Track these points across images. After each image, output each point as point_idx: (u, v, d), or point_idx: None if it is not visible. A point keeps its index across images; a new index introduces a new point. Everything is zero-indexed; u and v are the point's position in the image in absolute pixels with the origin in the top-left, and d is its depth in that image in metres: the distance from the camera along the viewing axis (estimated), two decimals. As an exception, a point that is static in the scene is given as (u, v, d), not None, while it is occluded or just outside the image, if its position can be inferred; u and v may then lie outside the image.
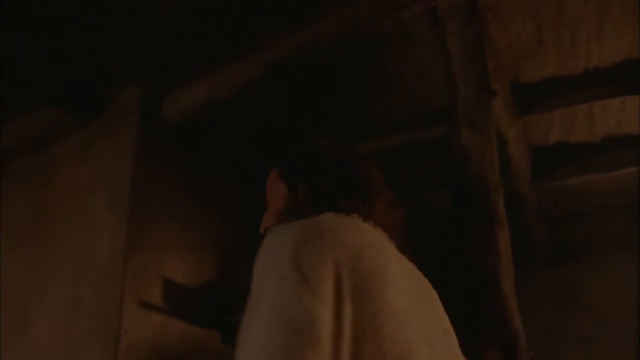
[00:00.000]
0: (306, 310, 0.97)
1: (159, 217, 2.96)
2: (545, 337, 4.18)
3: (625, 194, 4.11)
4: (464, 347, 1.20)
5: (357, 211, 1.27)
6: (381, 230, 1.26)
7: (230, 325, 3.14)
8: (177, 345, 2.93)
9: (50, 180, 3.34)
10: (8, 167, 3.61)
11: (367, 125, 3.43)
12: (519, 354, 1.86)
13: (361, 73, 3.03)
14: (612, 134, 3.66)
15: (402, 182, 3.92)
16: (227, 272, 3.28)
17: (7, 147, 3.50)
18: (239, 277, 3.28)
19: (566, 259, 4.48)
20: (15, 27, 2.68)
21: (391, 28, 2.61)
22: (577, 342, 4.22)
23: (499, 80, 2.86)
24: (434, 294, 1.26)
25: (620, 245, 4.21)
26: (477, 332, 1.84)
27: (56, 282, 3.00)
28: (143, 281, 2.83)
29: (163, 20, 2.67)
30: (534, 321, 2.29)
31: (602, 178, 3.89)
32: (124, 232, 2.80)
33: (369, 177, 1.41)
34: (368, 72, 3.02)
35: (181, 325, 2.96)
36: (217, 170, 3.36)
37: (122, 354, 2.66)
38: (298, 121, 3.36)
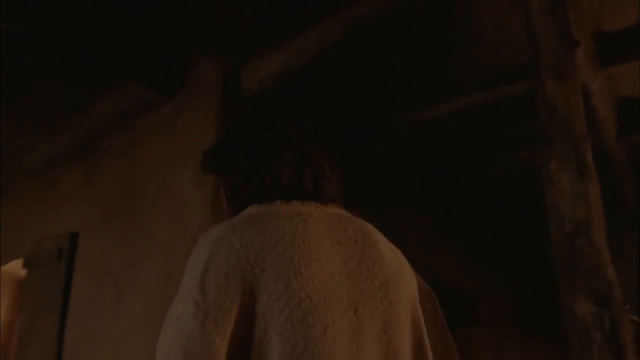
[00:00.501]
0: (196, 331, 1.14)
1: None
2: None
3: None
4: (559, 299, 1.26)
5: (280, 196, 1.34)
6: (312, 204, 1.36)
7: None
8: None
9: (137, 157, 3.47)
10: (96, 146, 3.77)
11: (448, 85, 3.41)
12: (613, 305, 1.84)
13: (439, 32, 3.01)
14: (703, 82, 3.52)
15: (487, 141, 3.91)
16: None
17: (95, 127, 3.65)
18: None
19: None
20: (96, 7, 2.78)
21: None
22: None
23: (580, 30, 2.79)
24: (369, 252, 1.34)
25: None
26: (571, 284, 1.83)
27: (149, 255, 3.13)
28: (232, 250, 2.91)
29: (238, -8, 2.72)
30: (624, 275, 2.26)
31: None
32: (211, 205, 2.89)
33: (278, 151, 1.41)
34: (446, 30, 2.99)
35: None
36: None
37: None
38: (378, 84, 3.37)
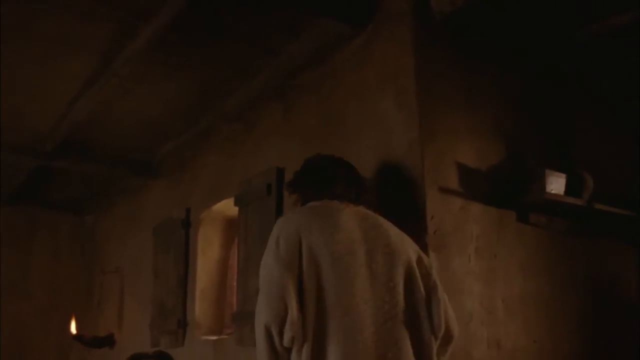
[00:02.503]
0: (276, 276, 2.39)
1: (445, 107, 3.18)
2: None
3: None
4: None
5: (324, 197, 2.71)
6: (342, 203, 2.69)
7: (522, 205, 3.32)
8: (477, 226, 3.17)
9: (334, 90, 3.70)
10: (291, 84, 4.04)
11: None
12: None
13: None
14: None
15: None
16: (512, 155, 3.43)
17: (289, 66, 3.92)
18: (524, 159, 3.42)
19: None
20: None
21: None
22: None
23: None
24: (379, 232, 2.61)
25: None
26: None
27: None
28: (440, 169, 3.08)
29: None
30: None
31: None
32: (417, 125, 3.06)
33: (333, 175, 2.83)
34: None
35: (479, 207, 3.19)
36: (494, 56, 3.48)
37: (430, 237, 2.97)
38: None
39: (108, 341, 6.11)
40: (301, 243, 2.46)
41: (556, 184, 3.23)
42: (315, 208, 2.64)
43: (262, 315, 2.40)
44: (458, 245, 3.06)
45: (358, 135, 3.41)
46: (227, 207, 4.71)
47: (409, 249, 2.62)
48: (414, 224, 2.98)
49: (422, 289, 2.54)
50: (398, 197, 3.12)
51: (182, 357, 4.60)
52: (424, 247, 2.90)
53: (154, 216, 5.69)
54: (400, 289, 2.50)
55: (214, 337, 4.61)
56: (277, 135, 4.15)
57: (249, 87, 4.18)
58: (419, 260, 2.61)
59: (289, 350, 2.39)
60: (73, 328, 6.08)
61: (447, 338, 2.56)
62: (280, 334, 2.37)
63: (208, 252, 4.89)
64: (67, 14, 3.50)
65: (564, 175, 3.27)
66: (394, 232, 2.65)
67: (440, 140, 3.12)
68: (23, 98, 4.59)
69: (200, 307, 4.77)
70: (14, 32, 3.67)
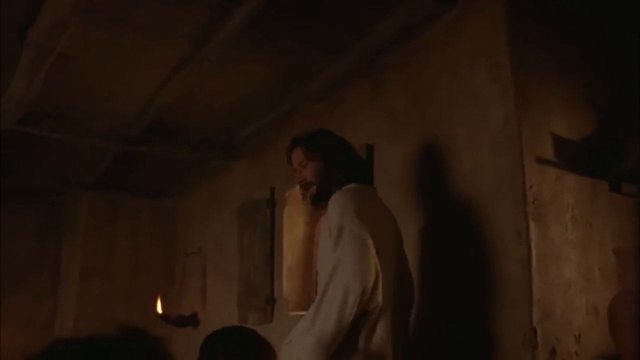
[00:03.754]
0: (364, 235, 2.76)
1: (539, 80, 3.28)
2: None
3: None
4: None
5: (363, 182, 3.20)
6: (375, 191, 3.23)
7: (614, 175, 3.41)
8: (572, 195, 3.28)
9: (423, 67, 3.83)
10: (378, 63, 4.19)
11: None
12: None
13: None
14: None
15: None
16: (604, 126, 3.52)
17: (377, 45, 4.06)
18: (615, 130, 3.50)
19: None
20: None
21: None
22: None
23: None
24: (396, 224, 3.23)
25: None
26: None
27: (453, 153, 3.51)
28: (536, 140, 3.20)
29: None
30: None
31: None
32: (512, 98, 3.18)
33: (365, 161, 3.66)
34: None
35: (573, 177, 3.30)
36: (586, 28, 3.56)
37: (529, 206, 3.09)
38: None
39: (192, 320, 6.38)
40: (372, 219, 2.87)
41: (647, 154, 3.31)
42: (364, 191, 3.12)
43: (358, 281, 2.64)
44: (555, 214, 3.17)
45: (450, 110, 3.55)
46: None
47: None
48: (512, 194, 3.11)
49: None
50: (495, 169, 3.25)
51: (271, 332, 4.75)
52: (523, 217, 3.04)
53: (235, 197, 5.93)
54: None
55: (302, 312, 4.80)
56: (363, 113, 4.31)
57: (335, 67, 4.32)
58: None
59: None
60: (159, 308, 6.37)
61: None
62: (369, 301, 2.66)
63: (294, 229, 5.08)
64: (166, 1, 3.70)
65: (655, 145, 3.35)
66: None
67: (535, 112, 3.23)
68: (112, 84, 4.84)
69: (287, 284, 4.97)
70: (112, 21, 3.90)
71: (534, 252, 3.02)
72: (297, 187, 3.27)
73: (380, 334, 2.81)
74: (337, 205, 2.90)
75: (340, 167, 3.13)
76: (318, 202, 3.19)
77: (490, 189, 3.25)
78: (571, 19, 3.52)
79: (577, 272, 3.18)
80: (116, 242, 7.26)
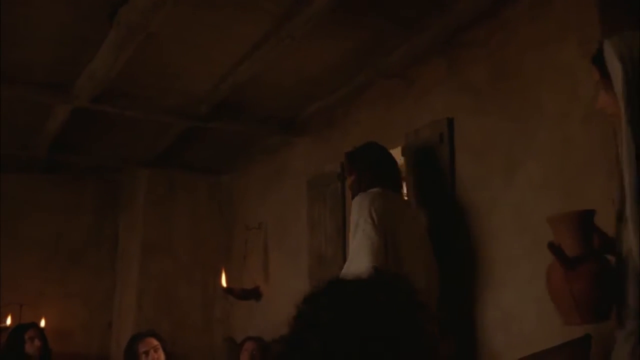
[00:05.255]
0: (374, 235, 3.61)
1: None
2: None
3: None
4: None
5: (385, 187, 3.96)
6: (398, 193, 4.15)
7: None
8: None
9: (506, 42, 4.01)
10: (457, 40, 4.38)
11: None
12: None
13: None
14: None
15: None
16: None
17: (458, 22, 4.24)
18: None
19: None
20: None
21: None
22: None
23: None
24: (418, 218, 4.20)
25: None
26: None
27: (540, 126, 3.71)
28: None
29: None
30: None
31: None
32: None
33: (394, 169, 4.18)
34: None
35: None
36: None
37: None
38: None
39: (255, 293, 6.64)
40: (386, 216, 3.73)
41: None
42: (383, 194, 3.88)
43: (372, 257, 3.56)
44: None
45: (539, 83, 3.74)
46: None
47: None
48: (605, 165, 3.30)
49: None
50: (586, 141, 3.44)
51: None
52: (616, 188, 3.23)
53: (299, 172, 6.16)
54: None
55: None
56: (441, 88, 4.51)
57: (413, 44, 4.50)
58: None
59: None
60: (223, 281, 6.64)
61: None
62: None
63: (364, 203, 5.31)
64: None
65: None
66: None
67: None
68: (188, 62, 5.04)
69: (359, 255, 5.20)
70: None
71: (628, 221, 3.20)
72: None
73: None
74: (357, 204, 3.80)
75: (367, 176, 4.03)
76: None
77: (583, 159, 3.44)
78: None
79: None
80: (175, 219, 7.54)
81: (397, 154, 4.82)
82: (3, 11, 4.09)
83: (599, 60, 2.61)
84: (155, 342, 5.11)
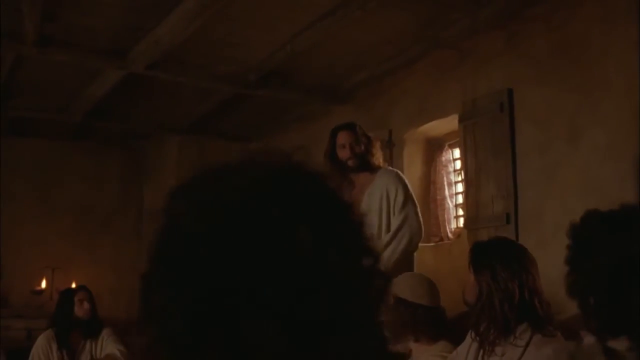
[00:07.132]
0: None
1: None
2: None
3: None
4: None
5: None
6: None
7: None
8: None
9: (569, 18, 4.43)
10: (518, 15, 4.77)
11: None
12: None
13: None
14: None
15: None
16: None
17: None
18: None
19: None
20: None
21: None
22: None
23: None
24: None
25: None
26: None
27: (606, 98, 4.14)
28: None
29: None
30: None
31: None
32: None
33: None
34: None
35: None
36: None
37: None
38: None
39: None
40: None
41: None
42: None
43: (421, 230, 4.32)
44: None
45: (605, 57, 4.17)
46: (431, 128, 5.57)
47: None
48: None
49: None
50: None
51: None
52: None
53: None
54: None
55: (431, 244, 5.49)
56: (499, 60, 4.93)
57: (475, 18, 4.87)
58: None
59: None
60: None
61: None
62: None
63: (412, 168, 5.73)
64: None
65: None
66: None
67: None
68: (247, 31, 5.31)
69: (408, 219, 5.62)
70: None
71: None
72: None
73: None
74: (402, 180, 4.37)
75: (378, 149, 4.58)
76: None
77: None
78: None
79: None
80: (204, 185, 7.84)
81: (452, 121, 5.24)
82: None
83: None
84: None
